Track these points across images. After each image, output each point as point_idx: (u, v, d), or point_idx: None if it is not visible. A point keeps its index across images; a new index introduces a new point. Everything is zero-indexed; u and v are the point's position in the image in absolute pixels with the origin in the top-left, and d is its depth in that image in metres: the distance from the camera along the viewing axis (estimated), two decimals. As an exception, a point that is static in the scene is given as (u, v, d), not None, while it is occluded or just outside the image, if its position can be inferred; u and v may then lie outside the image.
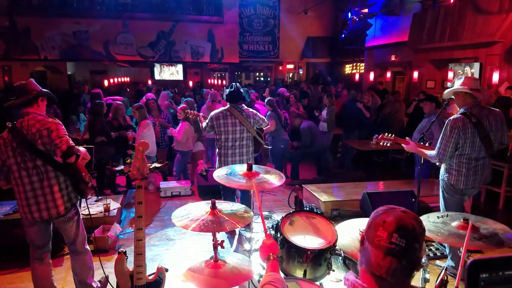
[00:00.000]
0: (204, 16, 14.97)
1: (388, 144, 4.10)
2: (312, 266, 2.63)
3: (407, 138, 3.98)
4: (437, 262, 4.15)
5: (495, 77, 8.33)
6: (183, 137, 6.36)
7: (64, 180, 3.06)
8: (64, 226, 3.13)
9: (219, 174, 3.13)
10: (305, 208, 4.37)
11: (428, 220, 2.60)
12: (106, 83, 15.26)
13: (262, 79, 20.25)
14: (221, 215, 2.48)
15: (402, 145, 3.97)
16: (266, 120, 4.77)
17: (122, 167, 2.74)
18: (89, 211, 3.58)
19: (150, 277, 2.65)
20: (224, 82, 19.01)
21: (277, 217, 5.06)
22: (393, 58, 12.63)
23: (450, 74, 9.95)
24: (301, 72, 17.77)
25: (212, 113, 4.54)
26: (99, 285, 3.48)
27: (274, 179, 3.07)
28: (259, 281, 2.54)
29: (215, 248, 2.33)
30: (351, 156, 8.67)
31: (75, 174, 3.08)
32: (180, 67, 17.86)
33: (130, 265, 2.63)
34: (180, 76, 18.12)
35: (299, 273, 2.64)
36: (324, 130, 8.23)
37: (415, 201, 4.88)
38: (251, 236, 3.07)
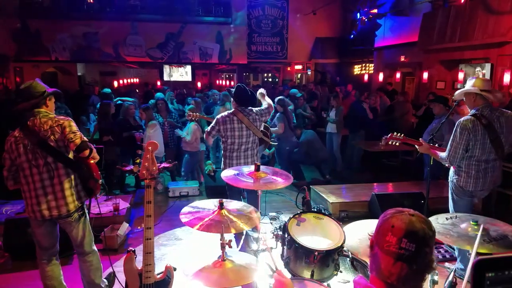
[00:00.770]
0: (213, 17, 15.03)
1: (397, 144, 4.08)
2: (319, 267, 2.63)
3: (420, 139, 3.95)
4: (446, 264, 4.11)
5: (507, 77, 8.23)
6: (192, 137, 6.40)
7: (74, 177, 3.09)
8: (71, 227, 3.14)
9: (227, 175, 3.14)
10: (312, 209, 4.36)
11: (437, 222, 2.59)
12: (115, 84, 15.41)
13: (270, 80, 20.25)
14: (229, 216, 2.49)
15: (415, 146, 3.95)
16: (269, 108, 4.58)
17: (131, 167, 2.76)
18: (99, 210, 3.62)
19: (159, 276, 2.67)
20: (232, 83, 19.05)
21: (285, 217, 5.07)
22: (402, 58, 12.54)
23: (461, 75, 9.85)
24: (309, 73, 17.73)
25: (218, 117, 4.35)
26: (106, 283, 3.50)
27: (281, 179, 3.07)
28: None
29: (222, 247, 2.35)
30: (358, 157, 8.64)
31: (85, 171, 3.10)
32: (188, 68, 17.94)
33: (139, 264, 2.65)
34: (188, 77, 18.21)
35: (306, 274, 2.64)
36: (333, 131, 8.22)
37: (424, 203, 4.86)
38: (258, 236, 3.08)
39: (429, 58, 11.14)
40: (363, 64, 15.69)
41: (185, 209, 2.60)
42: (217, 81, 20.96)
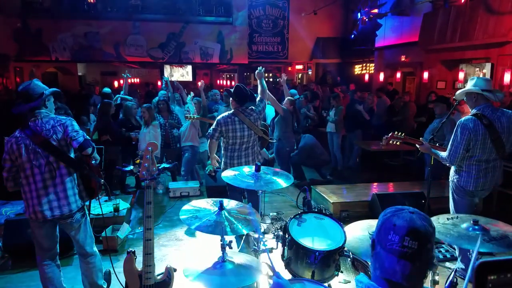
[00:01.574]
0: (214, 17, 15.04)
1: (398, 143, 4.09)
2: (320, 267, 2.62)
3: (421, 138, 3.95)
4: (447, 264, 4.11)
5: (507, 77, 8.22)
6: (188, 132, 6.45)
7: (76, 177, 3.09)
8: (72, 228, 3.13)
9: (227, 175, 3.14)
10: (313, 209, 4.36)
11: (438, 222, 2.58)
12: (116, 84, 15.41)
13: (271, 80, 20.23)
14: (229, 217, 2.48)
15: (416, 145, 3.95)
16: (263, 97, 4.62)
17: (131, 167, 2.76)
18: (101, 211, 3.62)
19: (159, 277, 2.66)
20: (233, 83, 19.05)
21: (286, 218, 5.06)
22: (403, 58, 12.53)
23: (461, 75, 9.84)
24: (310, 72, 17.72)
25: (220, 118, 4.35)
26: (106, 284, 3.50)
27: (282, 179, 3.07)
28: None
29: (223, 248, 2.34)
30: (355, 156, 8.66)
31: (87, 171, 3.10)
32: (189, 68, 17.96)
33: (139, 265, 2.64)
34: (189, 77, 18.21)
35: (307, 274, 2.64)
36: (333, 130, 8.29)
37: (425, 203, 4.85)
38: (258, 236, 3.07)
39: (430, 58, 11.13)
40: (364, 64, 15.68)
41: (186, 207, 2.59)
42: (218, 81, 20.96)
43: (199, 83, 7.26)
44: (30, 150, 2.92)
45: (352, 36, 13.04)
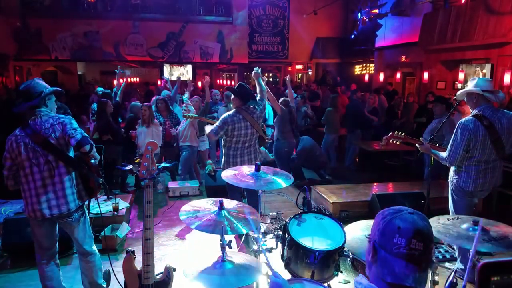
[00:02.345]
0: (214, 17, 15.04)
1: (398, 142, 4.09)
2: (320, 268, 2.62)
3: (421, 138, 3.95)
4: (446, 264, 4.10)
5: (507, 78, 8.23)
6: (188, 130, 6.44)
7: (75, 176, 3.09)
8: (71, 227, 3.13)
9: (227, 175, 3.13)
10: (313, 209, 4.35)
11: (438, 222, 2.58)
12: (115, 83, 15.37)
13: (271, 79, 20.23)
14: (228, 217, 2.48)
15: (416, 145, 3.95)
16: (263, 97, 4.66)
17: (131, 166, 2.75)
18: (100, 210, 3.61)
19: (158, 277, 2.66)
20: (233, 82, 19.04)
21: (285, 217, 5.06)
22: (403, 58, 12.53)
23: (461, 75, 9.84)
24: (310, 72, 17.72)
25: (226, 117, 4.31)
26: (105, 283, 3.49)
27: (282, 179, 3.06)
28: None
29: (222, 248, 2.34)
30: (352, 156, 8.67)
31: (86, 170, 3.10)
32: (189, 67, 17.93)
33: (138, 264, 2.64)
34: (189, 77, 18.19)
35: (307, 274, 2.63)
36: (325, 131, 8.48)
37: (424, 203, 4.86)
38: (258, 236, 3.06)
39: (430, 58, 11.13)
40: (364, 64, 15.69)
41: (185, 207, 2.59)
42: (218, 81, 20.93)
43: (205, 78, 7.13)
44: (29, 149, 2.92)
45: (352, 36, 13.06)
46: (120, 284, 3.26)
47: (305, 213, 3.00)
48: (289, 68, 18.18)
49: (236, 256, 2.45)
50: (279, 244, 2.90)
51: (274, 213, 5.36)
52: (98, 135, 6.31)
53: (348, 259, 2.81)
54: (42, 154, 2.93)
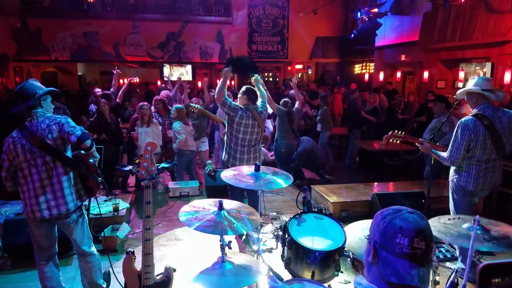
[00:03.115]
0: (213, 17, 15.04)
1: (398, 142, 4.09)
2: (320, 268, 2.61)
3: (421, 139, 3.94)
4: (447, 264, 4.10)
5: (507, 77, 8.21)
6: (173, 138, 6.38)
7: (73, 176, 3.08)
8: (69, 228, 3.13)
9: (227, 175, 3.12)
10: (313, 209, 4.35)
11: (439, 222, 2.57)
12: (113, 83, 15.34)
13: (271, 79, 20.22)
14: (228, 217, 2.47)
15: (417, 144, 3.94)
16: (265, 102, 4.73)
17: (130, 167, 2.74)
18: (99, 210, 3.61)
19: (158, 277, 2.65)
20: (233, 82, 19.02)
21: (285, 217, 5.05)
22: (403, 58, 12.52)
23: (461, 74, 9.83)
24: (310, 72, 17.71)
25: (241, 106, 4.40)
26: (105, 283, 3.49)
27: (282, 179, 3.05)
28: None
29: (222, 248, 2.33)
30: (351, 155, 8.68)
31: (84, 170, 3.09)
32: (189, 67, 17.92)
33: (138, 265, 2.63)
34: (189, 77, 18.19)
35: (307, 275, 2.62)
36: (319, 129, 8.62)
37: (425, 202, 4.84)
38: (258, 237, 3.06)
39: (430, 57, 11.12)
40: (364, 64, 15.68)
41: (185, 208, 2.58)
42: (218, 81, 20.89)
43: (204, 80, 7.21)
44: (26, 150, 2.92)
45: (352, 35, 13.04)
46: (120, 285, 3.26)
47: (305, 213, 3.00)
48: (289, 68, 18.16)
49: (236, 256, 2.44)
50: (279, 244, 2.89)
51: (274, 213, 5.37)
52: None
53: (349, 259, 2.81)
54: (39, 155, 2.93)
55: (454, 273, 2.38)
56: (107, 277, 3.53)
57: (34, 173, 2.94)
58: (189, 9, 14.56)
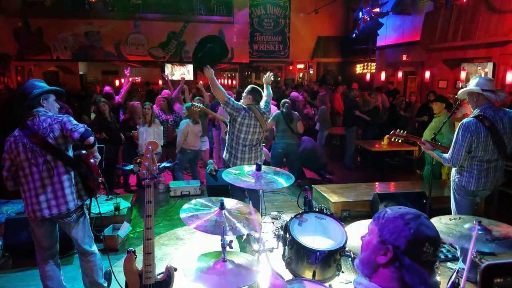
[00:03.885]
0: (215, 16, 15.03)
1: (400, 141, 4.09)
2: (321, 267, 2.61)
3: (422, 139, 3.94)
4: (448, 264, 4.09)
5: (509, 77, 8.20)
6: (181, 138, 6.37)
7: (74, 175, 3.08)
8: (69, 228, 3.12)
9: (228, 175, 3.12)
10: (314, 209, 4.35)
11: (440, 222, 2.56)
12: (117, 83, 15.39)
13: (272, 79, 20.24)
14: (229, 217, 2.46)
15: (418, 143, 3.94)
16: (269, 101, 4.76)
17: (131, 166, 2.74)
18: (99, 210, 3.61)
19: (159, 277, 2.65)
20: (234, 82, 19.03)
21: (286, 217, 5.05)
22: (404, 57, 12.51)
23: (463, 74, 9.82)
24: (311, 72, 17.69)
25: (244, 106, 4.41)
26: (105, 282, 3.49)
27: (283, 179, 3.05)
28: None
29: (223, 248, 2.33)
30: (349, 154, 8.68)
31: (85, 170, 3.09)
32: (190, 67, 17.92)
33: (139, 264, 2.63)
34: (190, 76, 18.19)
35: (308, 274, 2.63)
36: (318, 128, 8.79)
37: (426, 202, 4.84)
38: (259, 236, 3.06)
39: (431, 57, 11.10)
40: (365, 63, 15.66)
41: (186, 206, 2.58)
42: (219, 80, 20.89)
43: (199, 83, 7.33)
44: (28, 149, 2.91)
45: (354, 35, 13.04)
46: (119, 285, 3.26)
47: (306, 213, 3.00)
48: (290, 68, 18.16)
49: (237, 256, 2.45)
50: (280, 244, 2.90)
51: (275, 213, 5.36)
52: (95, 134, 6.28)
53: (350, 259, 2.81)
54: (40, 154, 2.92)
55: (455, 273, 2.38)
56: (108, 277, 3.53)
57: (35, 172, 2.94)
58: (191, 8, 14.57)
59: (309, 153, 7.23)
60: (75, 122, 3.03)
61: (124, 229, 4.68)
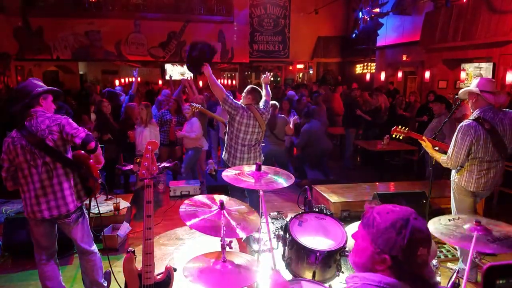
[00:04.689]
0: (215, 16, 15.02)
1: (401, 137, 4.09)
2: (321, 268, 2.61)
3: (423, 137, 3.93)
4: (448, 264, 4.09)
5: (509, 77, 8.19)
6: (197, 134, 6.42)
7: (73, 177, 3.07)
8: (69, 228, 3.12)
9: (228, 174, 3.12)
10: (314, 209, 4.34)
11: (440, 223, 2.56)
12: (117, 83, 15.38)
13: (272, 79, 20.23)
14: (229, 218, 2.46)
15: (420, 141, 3.94)
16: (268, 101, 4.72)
17: (131, 166, 2.74)
18: (99, 210, 3.60)
19: (159, 277, 2.65)
20: (234, 82, 19.03)
21: (286, 217, 5.05)
22: (404, 57, 12.50)
23: (463, 74, 9.82)
24: (311, 72, 17.69)
25: (243, 105, 4.38)
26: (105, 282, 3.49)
27: (283, 179, 3.04)
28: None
29: (223, 248, 2.32)
30: (350, 155, 8.66)
31: (84, 171, 3.08)
32: (190, 67, 17.93)
33: (139, 264, 2.63)
34: (190, 76, 18.18)
35: (308, 275, 2.62)
36: None
37: (426, 202, 4.83)
38: (259, 236, 3.06)
39: (431, 57, 11.10)
40: (365, 63, 15.66)
41: (186, 202, 2.57)
42: (219, 80, 20.88)
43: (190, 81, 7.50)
44: (26, 151, 2.89)
45: (354, 35, 13.04)
46: (119, 284, 3.26)
47: (306, 213, 2.99)
48: (290, 68, 18.15)
49: (237, 256, 2.44)
50: (280, 244, 2.89)
51: (275, 213, 5.36)
52: (98, 134, 6.28)
53: (350, 259, 2.80)
54: (39, 155, 2.91)
55: (455, 274, 2.38)
56: (108, 277, 3.53)
57: (34, 173, 2.93)
58: (191, 8, 14.56)
59: (313, 134, 7.07)
60: (75, 125, 3.00)
61: (124, 229, 4.68)
